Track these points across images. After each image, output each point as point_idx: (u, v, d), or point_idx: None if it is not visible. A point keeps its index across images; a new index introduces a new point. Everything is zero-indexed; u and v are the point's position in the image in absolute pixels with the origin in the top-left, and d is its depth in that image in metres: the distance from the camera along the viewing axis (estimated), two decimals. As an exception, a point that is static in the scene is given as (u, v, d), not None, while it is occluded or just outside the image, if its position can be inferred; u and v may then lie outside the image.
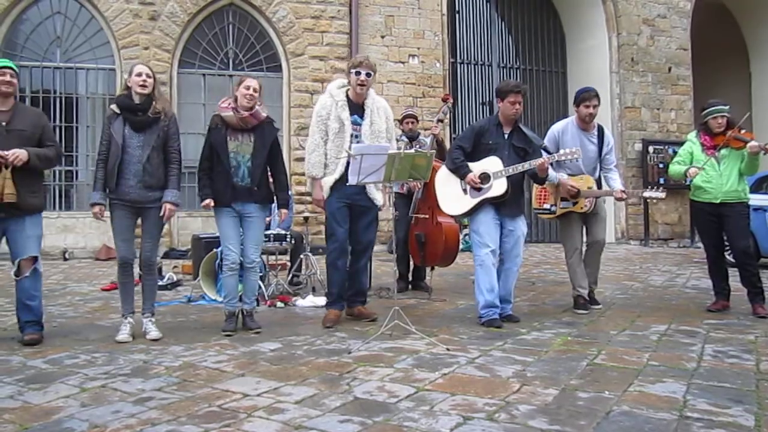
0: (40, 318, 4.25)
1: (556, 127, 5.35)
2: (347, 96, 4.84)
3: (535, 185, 5.31)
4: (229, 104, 4.49)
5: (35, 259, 4.17)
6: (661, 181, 12.63)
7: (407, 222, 6.34)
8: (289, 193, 6.04)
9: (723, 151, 5.11)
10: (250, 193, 4.54)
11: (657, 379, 3.19)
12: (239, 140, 4.52)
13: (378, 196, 4.87)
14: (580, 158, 4.94)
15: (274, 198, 4.83)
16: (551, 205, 5.29)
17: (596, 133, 5.30)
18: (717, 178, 5.10)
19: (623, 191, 5.15)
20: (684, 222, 13.08)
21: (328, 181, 4.77)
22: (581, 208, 5.17)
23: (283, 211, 4.81)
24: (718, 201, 5.11)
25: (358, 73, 4.75)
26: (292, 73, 11.25)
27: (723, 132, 5.08)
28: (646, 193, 5.14)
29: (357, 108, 4.83)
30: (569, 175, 5.20)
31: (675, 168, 5.30)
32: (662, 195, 5.04)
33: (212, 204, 4.50)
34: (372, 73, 4.81)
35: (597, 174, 5.35)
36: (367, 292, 5.21)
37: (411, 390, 3.04)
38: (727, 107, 5.12)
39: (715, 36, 15.23)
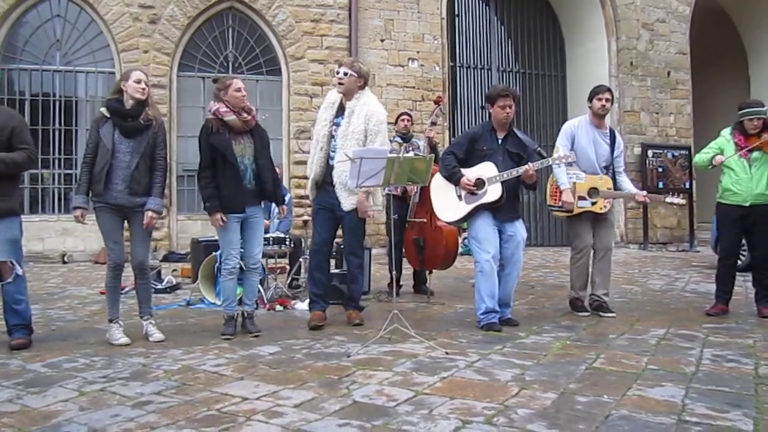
0: (28, 322, 4.22)
1: (572, 123, 5.35)
2: (341, 99, 4.86)
3: (549, 183, 5.29)
4: (227, 108, 4.46)
5: (13, 263, 4.10)
6: (660, 185, 12.65)
7: (401, 225, 6.29)
8: (288, 195, 6.05)
9: (755, 154, 5.05)
10: (256, 195, 4.55)
11: (656, 383, 3.19)
12: (242, 143, 4.50)
13: (345, 201, 4.71)
14: (574, 162, 4.94)
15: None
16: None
17: (608, 132, 5.31)
18: (747, 180, 5.06)
19: (645, 195, 5.11)
20: (683, 226, 13.09)
21: (309, 183, 4.90)
22: (600, 208, 5.11)
23: (283, 207, 4.88)
24: (747, 204, 5.06)
25: (337, 72, 4.79)
26: (292, 76, 11.26)
27: (758, 134, 5.03)
28: (668, 199, 5.09)
29: (343, 109, 4.83)
30: (585, 173, 5.16)
31: (700, 156, 5.30)
32: (683, 201, 5.06)
33: (222, 221, 4.38)
34: (350, 72, 4.71)
35: (609, 174, 5.29)
36: (359, 296, 5.17)
37: (410, 394, 3.03)
38: (765, 108, 5.06)
39: (714, 40, 15.26)
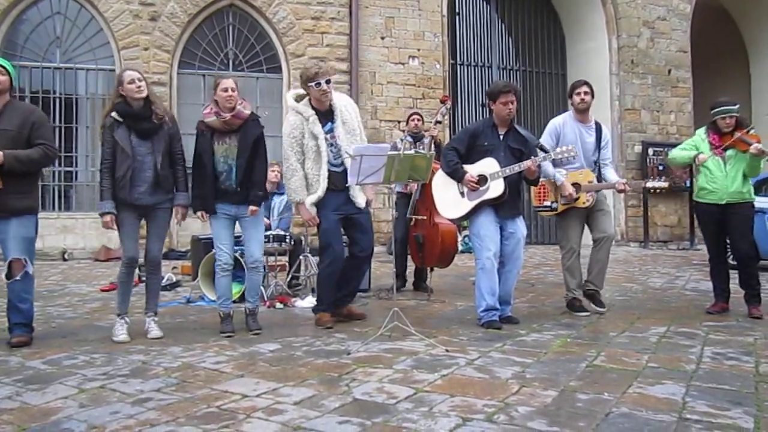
0: (30, 320, 4.20)
1: (557, 120, 5.33)
2: (312, 107, 4.73)
3: None
4: (211, 109, 4.45)
5: (25, 261, 4.11)
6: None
7: (406, 222, 6.32)
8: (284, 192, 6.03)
9: (729, 152, 5.05)
10: (240, 195, 4.50)
11: (656, 381, 3.19)
12: (227, 143, 4.48)
13: (359, 198, 4.75)
14: (576, 156, 4.93)
15: (268, 196, 4.81)
16: (552, 202, 5.22)
17: (593, 126, 5.29)
18: (722, 179, 5.05)
19: (625, 183, 5.11)
20: (683, 224, 13.08)
21: (310, 201, 4.70)
22: (583, 203, 5.11)
23: (252, 208, 4.53)
24: (723, 202, 5.06)
25: (318, 84, 4.60)
26: (293, 74, 11.20)
27: (731, 132, 5.03)
28: (650, 183, 5.10)
29: (326, 114, 4.73)
30: (568, 169, 5.15)
31: (678, 153, 5.26)
32: (665, 184, 5.07)
33: (205, 217, 4.50)
34: (330, 79, 4.69)
35: (596, 168, 5.28)
36: (360, 293, 5.19)
37: (410, 391, 3.03)
38: (736, 107, 5.05)
39: (714, 38, 15.24)
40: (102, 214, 4.24)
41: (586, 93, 5.17)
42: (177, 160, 4.45)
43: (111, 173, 4.23)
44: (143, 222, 4.45)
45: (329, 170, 4.67)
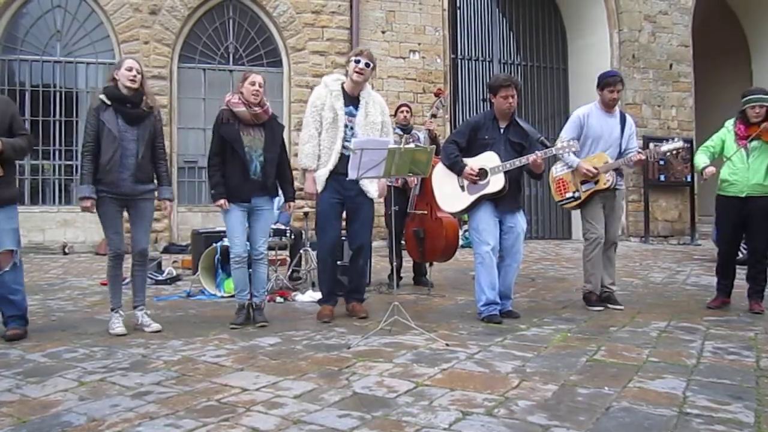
0: (24, 312, 4.20)
1: (582, 111, 5.20)
2: (342, 88, 4.83)
3: (551, 179, 5.25)
4: (240, 100, 4.50)
5: (14, 252, 4.09)
6: (662, 178, 12.66)
7: (401, 216, 6.27)
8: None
9: (754, 143, 4.89)
10: (261, 187, 4.57)
11: (657, 376, 3.19)
12: (252, 135, 4.55)
13: (371, 188, 4.81)
14: (577, 150, 4.88)
15: (278, 192, 4.88)
16: (574, 192, 5.13)
17: (618, 115, 5.21)
18: (744, 171, 4.90)
19: (639, 152, 5.05)
20: (684, 219, 13.07)
21: (322, 174, 4.75)
22: (604, 183, 5.03)
23: (291, 204, 4.90)
24: (743, 195, 4.92)
25: (357, 61, 4.74)
26: (293, 68, 11.22)
27: (760, 122, 4.86)
28: (664, 148, 5.00)
29: (352, 100, 4.82)
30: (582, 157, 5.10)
31: (697, 158, 5.15)
32: (680, 144, 5.02)
33: (227, 205, 4.48)
34: (371, 64, 4.77)
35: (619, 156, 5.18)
36: (365, 288, 5.19)
37: (410, 385, 3.03)
38: None
39: (716, 33, 15.19)
40: (81, 198, 4.21)
41: (619, 91, 5.09)
42: (160, 155, 4.45)
43: (92, 157, 4.19)
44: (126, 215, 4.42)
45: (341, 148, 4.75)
